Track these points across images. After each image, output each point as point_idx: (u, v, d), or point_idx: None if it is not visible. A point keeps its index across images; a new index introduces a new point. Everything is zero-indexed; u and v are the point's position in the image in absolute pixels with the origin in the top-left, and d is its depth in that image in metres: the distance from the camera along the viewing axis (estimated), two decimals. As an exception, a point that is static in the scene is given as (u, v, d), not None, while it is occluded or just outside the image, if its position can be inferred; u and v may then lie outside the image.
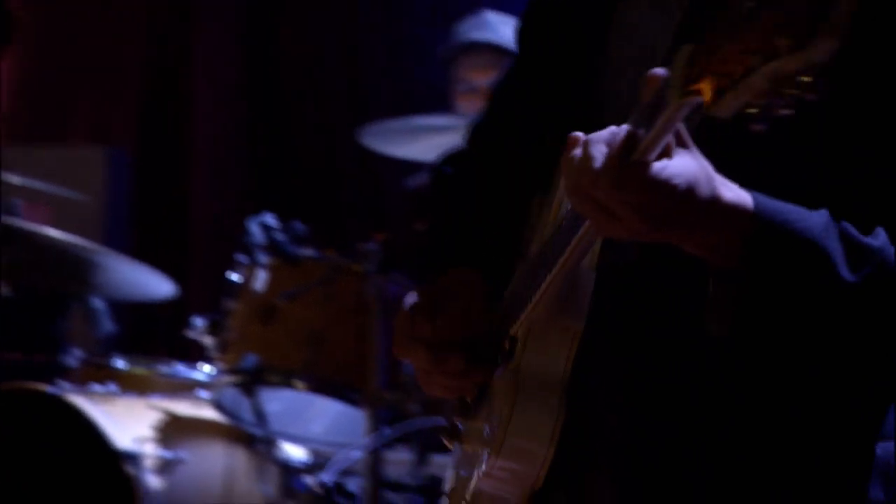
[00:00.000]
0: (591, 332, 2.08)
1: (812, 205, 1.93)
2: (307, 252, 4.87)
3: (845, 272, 1.84)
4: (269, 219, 4.90)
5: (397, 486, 4.90)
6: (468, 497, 2.23)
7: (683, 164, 1.77)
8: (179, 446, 5.00)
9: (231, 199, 7.20)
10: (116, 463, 4.80)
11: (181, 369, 5.33)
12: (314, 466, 5.08)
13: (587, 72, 2.31)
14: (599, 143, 1.81)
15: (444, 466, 4.82)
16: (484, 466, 2.13)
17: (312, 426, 5.21)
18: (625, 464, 2.11)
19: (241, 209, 5.70)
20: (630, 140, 1.76)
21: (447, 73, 5.87)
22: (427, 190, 5.65)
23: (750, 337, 1.93)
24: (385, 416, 4.65)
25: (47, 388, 4.97)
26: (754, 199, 1.86)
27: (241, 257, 4.95)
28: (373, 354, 4.62)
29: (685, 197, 1.78)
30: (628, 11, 2.28)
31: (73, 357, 5.31)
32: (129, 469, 4.80)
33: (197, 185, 7.42)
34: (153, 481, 4.87)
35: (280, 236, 4.86)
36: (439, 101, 6.00)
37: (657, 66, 1.88)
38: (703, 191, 1.80)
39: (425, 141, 5.33)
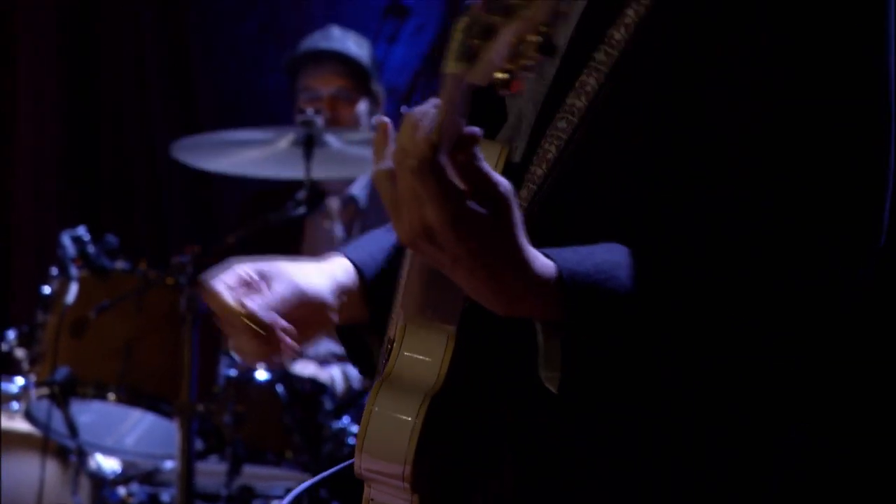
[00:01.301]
0: (469, 334, 2.05)
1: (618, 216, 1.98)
2: (119, 265, 4.80)
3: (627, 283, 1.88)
4: (82, 232, 4.83)
5: (209, 497, 4.87)
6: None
7: (507, 182, 1.77)
8: None
9: (51, 214, 7.08)
10: None
11: None
12: (127, 478, 5.03)
13: None
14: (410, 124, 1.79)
15: (255, 477, 4.93)
16: (358, 468, 2.08)
17: (125, 438, 5.13)
18: (522, 464, 2.08)
19: (60, 223, 5.55)
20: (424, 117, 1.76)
21: (291, 82, 5.88)
22: (255, 201, 5.86)
23: (581, 385, 1.94)
24: (196, 427, 4.59)
25: None
26: (557, 266, 1.86)
27: (54, 270, 4.85)
28: (185, 366, 4.55)
29: (503, 209, 1.76)
30: None
31: None
32: None
33: (18, 200, 7.23)
34: None
35: (91, 249, 4.80)
36: (263, 115, 6.08)
37: None
38: (518, 226, 1.78)
39: (239, 155, 5.29)
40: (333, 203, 5.80)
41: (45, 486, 4.83)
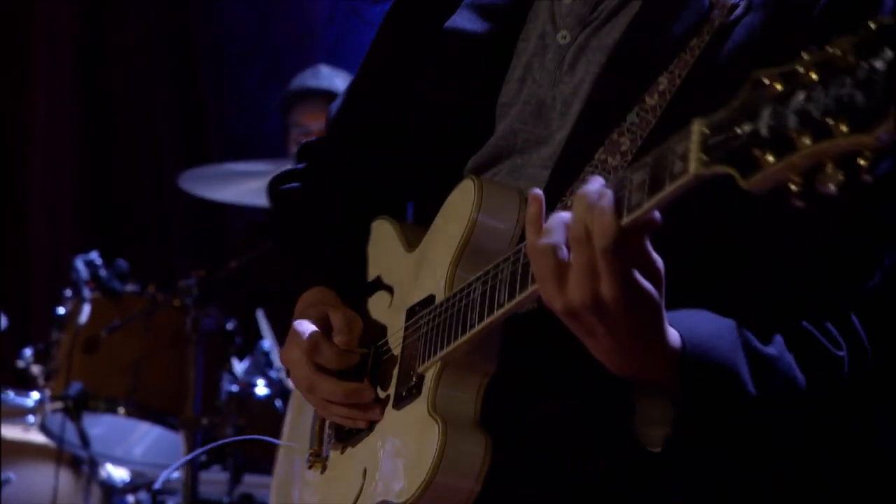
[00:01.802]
0: (504, 372, 2.07)
1: (723, 300, 1.96)
2: (129, 287, 4.88)
3: (751, 388, 1.87)
4: (94, 256, 4.93)
5: None
6: None
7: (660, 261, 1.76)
8: (7, 467, 4.95)
9: (66, 240, 7.06)
10: None
11: (11, 396, 5.20)
12: (135, 486, 5.10)
13: (474, 87, 2.27)
14: (581, 199, 1.75)
15: (255, 485, 4.91)
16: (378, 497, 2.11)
17: (134, 449, 5.19)
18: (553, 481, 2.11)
19: (74, 248, 5.69)
20: (621, 198, 1.72)
21: (283, 119, 5.96)
22: (252, 230, 5.89)
23: (680, 448, 1.93)
24: (201, 439, 4.60)
25: None
26: (682, 337, 1.86)
27: (68, 292, 4.94)
28: (190, 382, 4.61)
29: (658, 297, 1.76)
30: (521, 43, 2.26)
31: None
32: None
33: (35, 228, 7.26)
34: None
35: (103, 273, 4.88)
36: (264, 149, 6.08)
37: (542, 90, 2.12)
38: (658, 307, 1.78)
39: (240, 185, 5.38)
40: None
41: (58, 493, 4.92)
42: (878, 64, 1.49)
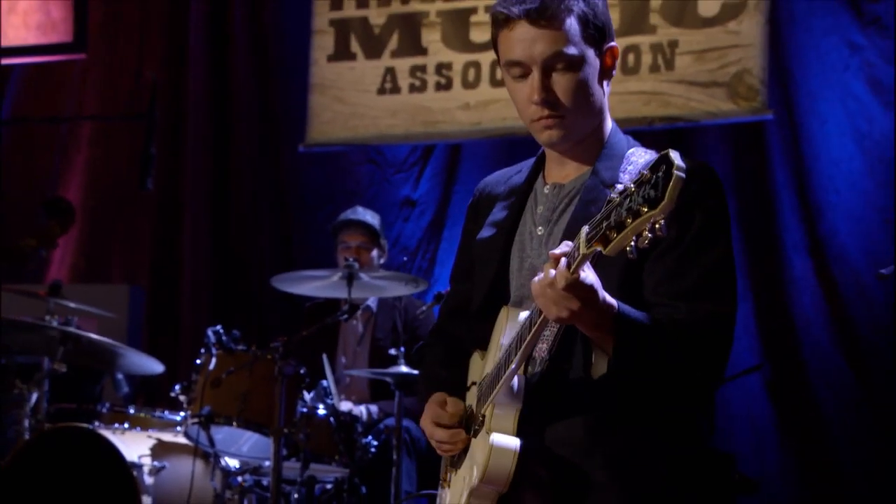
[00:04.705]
0: (527, 408, 2.38)
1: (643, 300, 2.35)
2: (240, 347, 5.30)
3: (646, 332, 2.27)
4: (219, 328, 5.37)
5: (290, 482, 5.27)
6: None
7: (594, 277, 2.14)
8: (164, 459, 5.47)
9: (203, 315, 7.45)
10: (127, 469, 5.27)
11: (167, 414, 5.72)
12: (243, 471, 5.45)
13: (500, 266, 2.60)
14: (549, 268, 2.11)
15: (317, 470, 5.23)
16: (470, 487, 2.38)
17: (242, 447, 5.54)
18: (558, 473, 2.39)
19: (207, 322, 5.91)
20: (568, 263, 2.10)
21: (334, 239, 6.40)
22: (311, 309, 6.24)
23: (619, 372, 2.28)
24: (283, 441, 4.99)
25: (88, 426, 5.41)
26: (617, 304, 2.25)
27: (202, 349, 5.32)
28: (277, 407, 5.00)
29: (595, 296, 2.15)
30: (522, 227, 2.60)
31: (104, 407, 5.76)
32: (135, 472, 5.30)
33: (182, 307, 7.70)
34: (148, 480, 5.38)
35: (224, 338, 5.33)
36: (321, 260, 6.55)
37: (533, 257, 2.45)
38: (601, 294, 2.18)
39: (313, 283, 5.79)
40: (357, 311, 6.04)
41: (194, 476, 5.37)
42: (660, 174, 1.90)
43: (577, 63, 2.41)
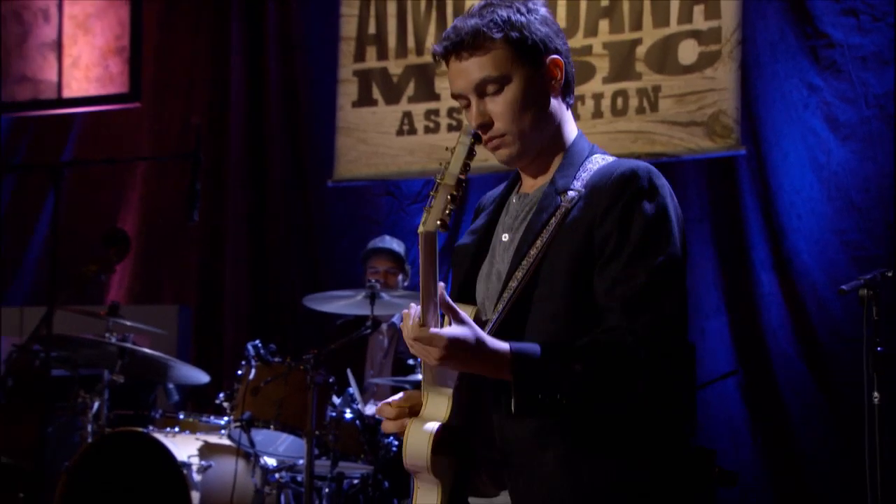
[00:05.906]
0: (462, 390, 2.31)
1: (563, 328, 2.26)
2: (276, 359, 5.49)
3: (551, 365, 2.17)
4: (257, 343, 5.55)
5: (321, 478, 5.46)
6: None
7: (452, 329, 2.07)
8: (210, 458, 5.68)
9: (243, 331, 7.58)
10: (177, 468, 5.48)
11: (213, 419, 5.92)
12: (280, 468, 5.64)
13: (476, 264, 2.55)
14: (408, 317, 2.10)
15: (345, 467, 5.37)
16: (405, 464, 2.33)
17: (279, 447, 5.73)
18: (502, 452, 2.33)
19: (247, 337, 6.08)
20: (422, 316, 2.09)
21: (363, 264, 6.59)
22: (342, 326, 6.32)
23: (523, 408, 2.18)
24: (315, 442, 5.14)
25: (143, 430, 5.63)
26: (510, 345, 2.16)
27: (243, 362, 5.52)
28: (309, 412, 5.15)
29: (454, 347, 2.07)
30: (495, 237, 2.55)
31: (157, 413, 5.99)
32: (184, 471, 5.52)
33: (225, 324, 7.84)
34: (196, 477, 5.59)
35: (262, 351, 5.52)
36: (352, 283, 6.64)
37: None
38: (470, 343, 2.09)
39: (337, 303, 6.06)
40: (384, 327, 6.42)
41: (237, 474, 5.59)
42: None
43: (506, 83, 2.35)
